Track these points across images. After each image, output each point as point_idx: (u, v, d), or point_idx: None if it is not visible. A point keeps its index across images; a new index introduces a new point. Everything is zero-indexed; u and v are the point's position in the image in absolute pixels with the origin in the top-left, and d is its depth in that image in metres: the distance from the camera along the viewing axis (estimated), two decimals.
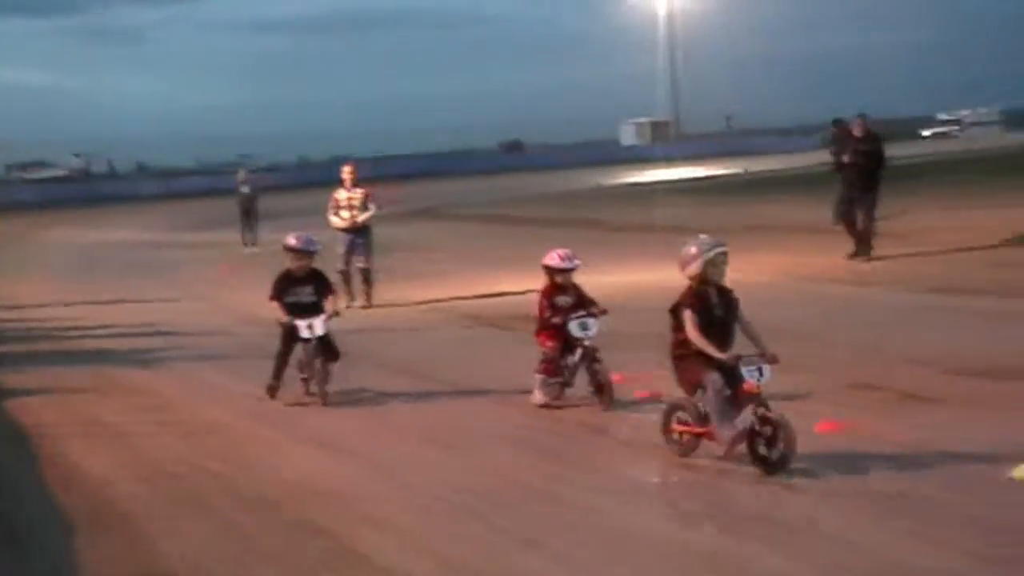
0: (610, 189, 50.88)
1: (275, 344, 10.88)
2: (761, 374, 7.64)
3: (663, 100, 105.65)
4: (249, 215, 31.08)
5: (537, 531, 6.94)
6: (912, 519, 6.73)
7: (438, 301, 17.66)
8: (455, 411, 10.28)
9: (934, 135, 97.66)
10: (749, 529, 6.81)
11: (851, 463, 7.83)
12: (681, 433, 8.18)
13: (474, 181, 61.62)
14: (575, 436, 9.25)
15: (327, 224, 17.53)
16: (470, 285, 19.08)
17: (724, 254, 8.07)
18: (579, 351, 9.75)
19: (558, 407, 9.89)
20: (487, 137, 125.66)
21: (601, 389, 9.74)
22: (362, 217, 17.48)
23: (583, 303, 9.92)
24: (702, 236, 8.24)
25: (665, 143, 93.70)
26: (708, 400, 7.87)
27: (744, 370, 7.63)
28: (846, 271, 18.48)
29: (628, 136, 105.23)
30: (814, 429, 8.50)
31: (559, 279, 9.97)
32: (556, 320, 9.85)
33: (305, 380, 10.72)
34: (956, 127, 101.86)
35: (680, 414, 8.19)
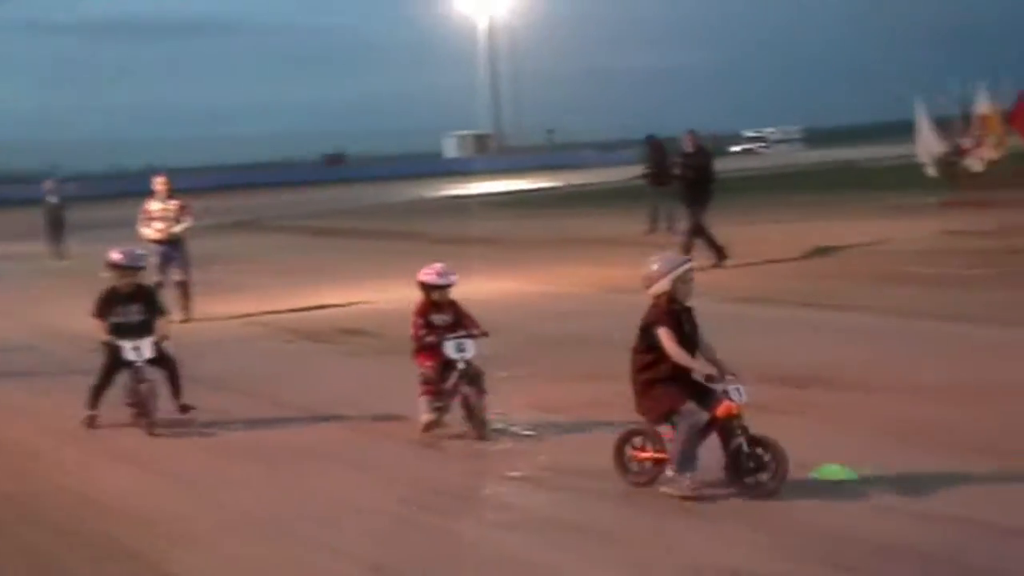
0: (432, 201, 50.93)
1: (89, 361, 10.40)
2: (740, 394, 7.23)
3: (485, 112, 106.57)
4: (56, 226, 29.82)
5: (360, 550, 6.85)
6: (716, 520, 6.92)
7: (258, 315, 17.28)
8: (279, 429, 10.02)
9: (743, 151, 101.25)
10: (560, 537, 6.88)
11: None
12: (641, 461, 7.57)
13: (295, 193, 60.77)
14: (402, 452, 9.14)
15: (138, 236, 16.94)
16: (291, 298, 18.73)
17: (692, 270, 7.63)
18: (455, 373, 9.06)
19: (436, 428, 9.24)
20: (308, 148, 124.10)
21: (470, 415, 9.10)
22: (177, 228, 16.99)
23: (462, 323, 9.27)
24: (667, 252, 7.88)
25: (487, 156, 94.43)
26: (680, 432, 7.28)
27: (731, 388, 7.19)
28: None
29: (451, 149, 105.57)
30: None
31: (435, 296, 9.29)
32: (431, 339, 9.13)
33: (133, 408, 9.92)
34: (762, 144, 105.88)
35: (637, 440, 7.60)
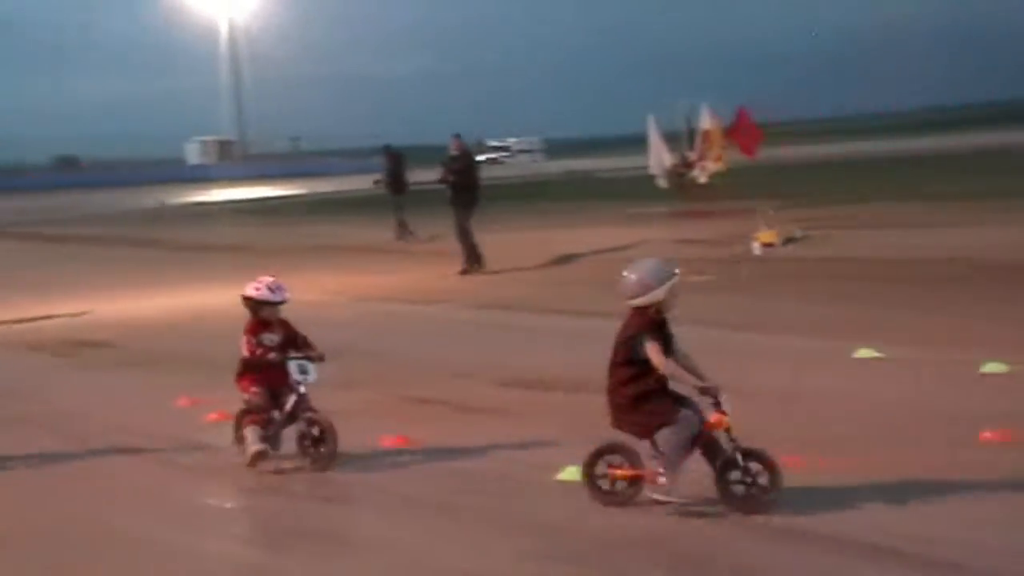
0: (174, 208, 49.22)
1: None
2: (729, 404, 6.82)
3: (229, 118, 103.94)
4: None
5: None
6: (463, 524, 6.99)
7: None
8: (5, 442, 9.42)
9: (487, 160, 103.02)
10: (299, 544, 6.78)
11: (414, 475, 8.03)
12: (617, 479, 7.03)
13: (24, 199, 57.34)
14: (151, 471, 8.76)
15: None
16: (17, 308, 17.67)
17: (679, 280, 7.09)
18: (292, 399, 8.16)
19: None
20: (39, 152, 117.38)
21: (315, 444, 8.15)
22: None
23: (294, 342, 8.31)
24: (650, 261, 7.16)
25: (231, 162, 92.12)
26: (672, 439, 6.79)
27: (722, 399, 6.76)
28: (406, 289, 18.98)
29: (194, 155, 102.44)
30: (379, 444, 8.69)
31: (264, 313, 8.25)
32: (273, 357, 8.18)
33: None
34: (506, 154, 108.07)
35: (610, 457, 7.06)
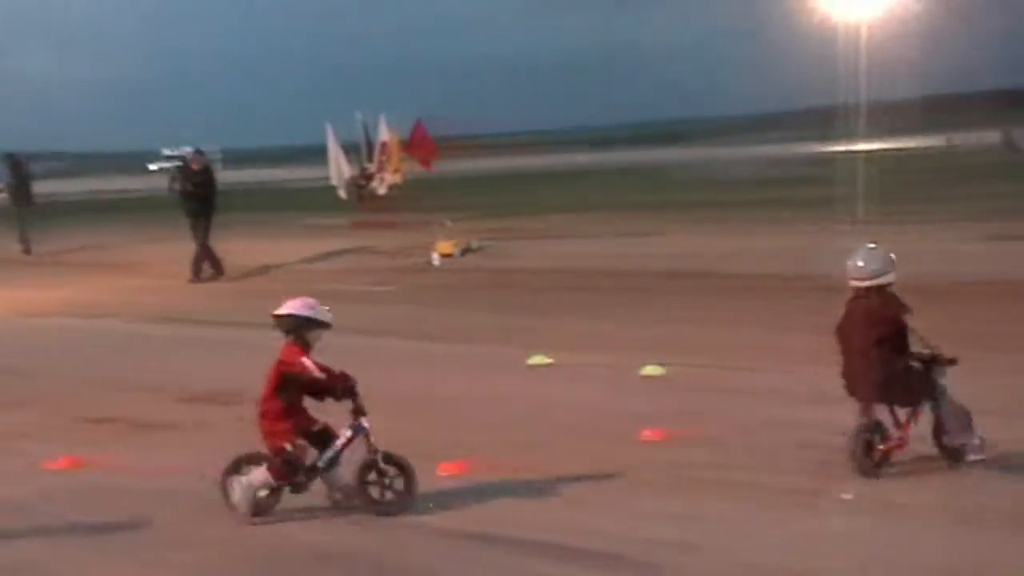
0: None
1: None
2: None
3: None
4: None
5: None
6: (132, 544, 6.71)
7: None
8: None
9: (160, 170, 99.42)
10: None
11: (82, 498, 7.65)
12: (885, 453, 7.28)
13: None
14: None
15: None
16: None
17: None
18: (342, 441, 7.08)
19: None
20: None
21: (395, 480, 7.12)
22: None
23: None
24: (870, 245, 7.51)
25: None
26: (948, 407, 7.26)
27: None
28: (64, 304, 18.05)
29: None
30: (42, 467, 8.23)
31: (311, 336, 7.15)
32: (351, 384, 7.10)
33: None
34: (180, 163, 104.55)
35: (875, 436, 7.27)
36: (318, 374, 7.00)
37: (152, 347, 14.21)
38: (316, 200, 37.50)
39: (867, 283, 7.32)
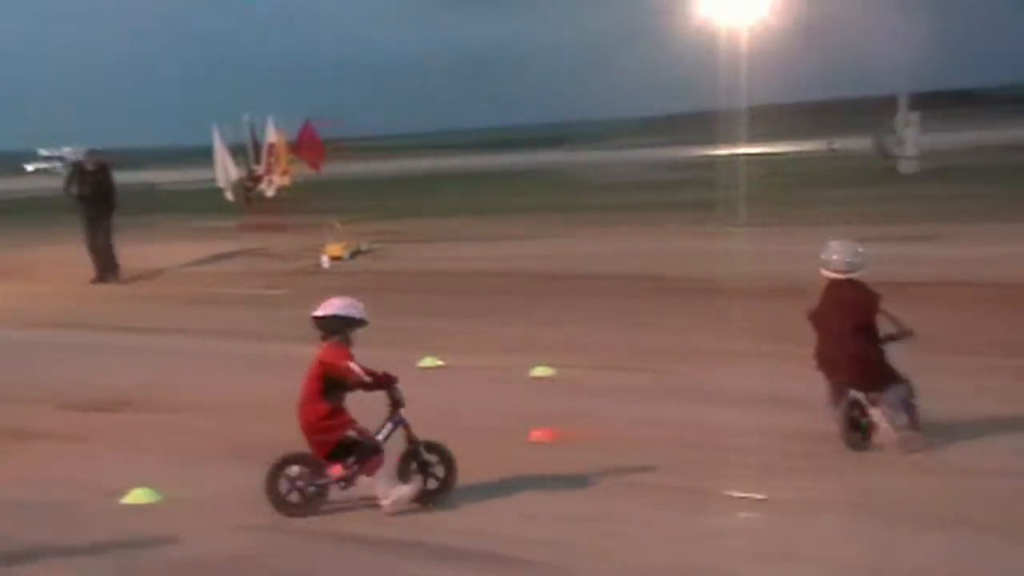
0: None
1: None
2: None
3: None
4: None
5: None
6: (21, 561, 6.57)
7: None
8: None
9: (37, 170, 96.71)
10: None
11: None
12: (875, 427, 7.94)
13: None
14: None
15: None
16: None
17: None
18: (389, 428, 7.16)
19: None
20: None
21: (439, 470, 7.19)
22: None
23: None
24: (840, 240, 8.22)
25: None
26: (901, 400, 7.84)
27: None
28: None
29: None
30: None
31: (353, 335, 7.34)
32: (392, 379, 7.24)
33: None
34: (60, 164, 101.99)
35: (854, 410, 7.91)
36: (366, 379, 7.06)
37: (38, 354, 13.83)
38: (203, 202, 36.89)
39: (844, 276, 8.04)
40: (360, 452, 7.01)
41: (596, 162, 66.64)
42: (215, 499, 7.45)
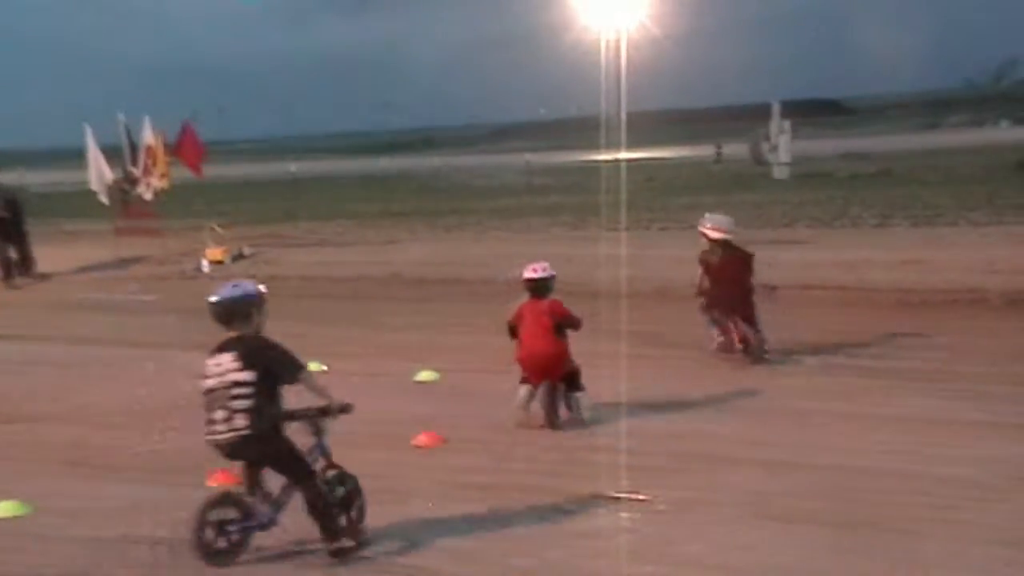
0: None
1: None
2: None
3: None
4: None
5: None
6: None
7: None
8: None
9: None
10: None
11: None
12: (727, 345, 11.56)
13: None
14: None
15: None
16: None
17: None
18: None
19: None
20: None
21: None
22: None
23: None
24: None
25: None
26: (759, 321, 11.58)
27: None
28: None
29: None
30: None
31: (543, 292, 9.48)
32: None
33: None
34: None
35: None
36: (577, 315, 9.39)
37: None
38: (76, 205, 35.90)
39: (726, 236, 11.63)
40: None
41: (473, 166, 66.88)
42: (84, 511, 7.33)
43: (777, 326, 11.79)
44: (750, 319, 11.42)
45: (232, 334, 6.44)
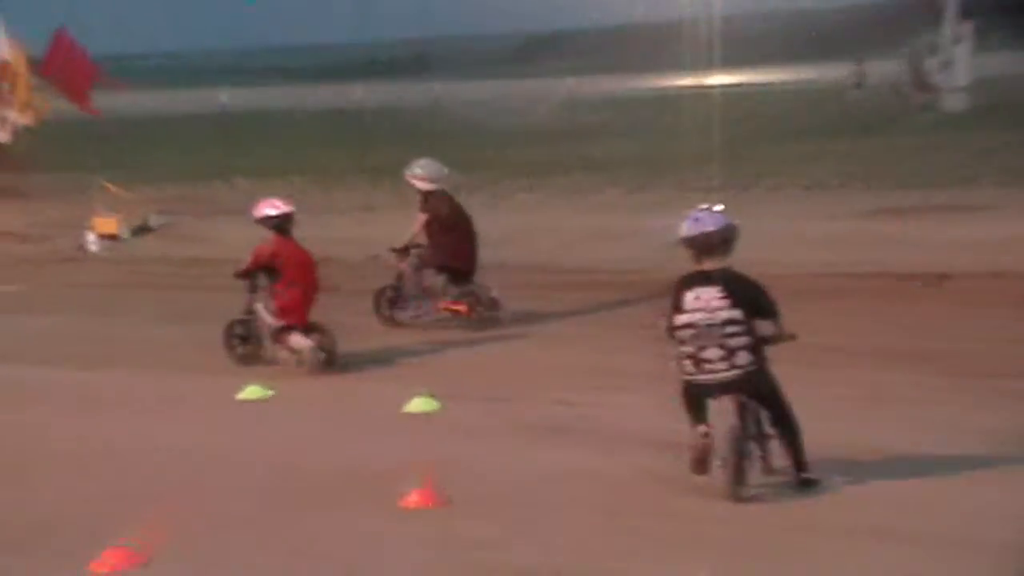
0: None
1: None
2: None
3: None
4: None
5: None
6: None
7: None
8: None
9: None
10: None
11: None
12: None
13: None
14: None
15: None
16: None
17: None
18: None
19: None
20: None
21: None
22: None
23: None
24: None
25: None
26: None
27: None
28: None
29: None
30: None
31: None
32: None
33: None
34: None
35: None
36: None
37: None
38: None
39: (436, 186, 15.23)
40: None
41: (488, 98, 66.55)
42: None
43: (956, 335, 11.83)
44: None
45: (703, 266, 8.69)
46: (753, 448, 8.58)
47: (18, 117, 26.92)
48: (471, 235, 15.15)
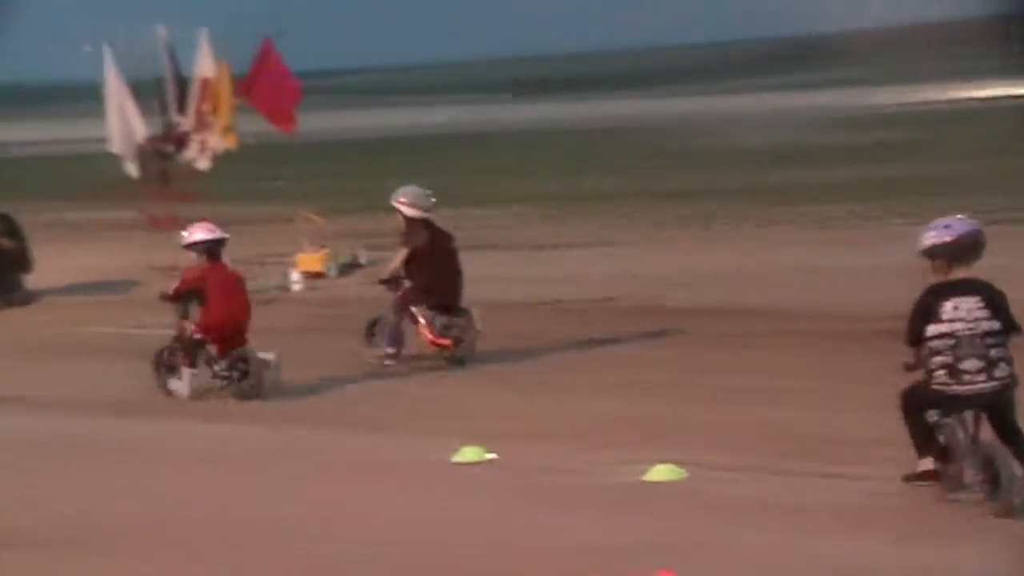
0: None
1: None
2: None
3: None
4: None
5: None
6: None
7: None
8: None
9: None
10: None
11: None
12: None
13: None
14: None
15: None
16: None
17: None
18: None
19: None
20: None
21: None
22: None
23: None
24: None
25: None
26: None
27: None
28: None
29: None
30: None
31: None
32: None
33: None
34: None
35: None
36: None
37: None
38: (79, 177, 36.65)
39: (424, 214, 16.41)
40: None
41: (733, 113, 65.77)
42: None
43: None
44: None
45: (953, 275, 9.68)
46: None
47: (219, 142, 26.82)
48: (452, 266, 16.56)
